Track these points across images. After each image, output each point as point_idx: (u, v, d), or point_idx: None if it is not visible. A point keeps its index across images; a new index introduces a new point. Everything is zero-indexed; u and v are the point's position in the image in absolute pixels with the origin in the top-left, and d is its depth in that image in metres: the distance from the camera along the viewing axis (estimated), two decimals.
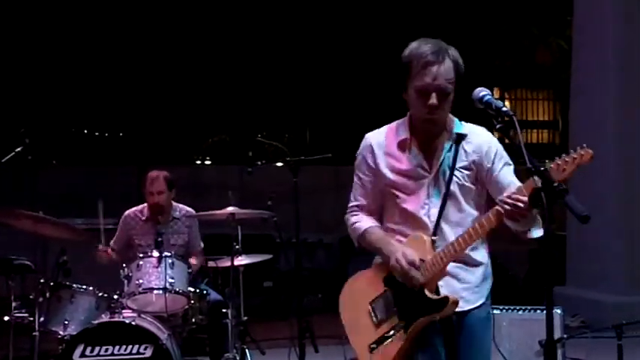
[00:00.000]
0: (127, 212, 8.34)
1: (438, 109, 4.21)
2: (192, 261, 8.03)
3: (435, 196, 4.33)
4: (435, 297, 4.20)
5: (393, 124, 4.51)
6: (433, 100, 4.17)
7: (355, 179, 4.60)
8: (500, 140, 4.19)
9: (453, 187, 4.33)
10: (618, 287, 10.59)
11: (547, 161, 3.79)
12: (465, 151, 4.35)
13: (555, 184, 3.20)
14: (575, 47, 11.67)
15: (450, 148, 4.35)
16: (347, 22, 18.43)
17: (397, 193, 4.39)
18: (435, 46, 4.23)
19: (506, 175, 4.34)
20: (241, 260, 7.97)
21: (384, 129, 4.54)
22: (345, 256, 11.67)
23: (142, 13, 17.84)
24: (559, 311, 6.92)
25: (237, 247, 7.88)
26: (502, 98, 22.00)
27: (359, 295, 4.46)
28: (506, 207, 3.92)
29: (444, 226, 4.32)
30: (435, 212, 4.32)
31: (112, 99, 17.93)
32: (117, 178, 14.04)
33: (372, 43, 17.92)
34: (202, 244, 8.48)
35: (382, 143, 4.47)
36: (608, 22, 10.77)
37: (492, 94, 3.84)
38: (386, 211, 4.54)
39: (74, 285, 7.09)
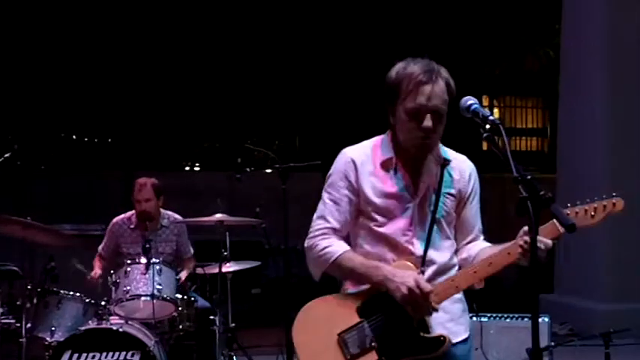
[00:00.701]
0: (115, 219, 8.33)
1: (433, 133, 3.85)
2: (186, 271, 8.05)
3: (419, 223, 3.96)
4: (429, 335, 3.83)
5: (376, 140, 4.10)
6: (428, 122, 3.81)
7: (327, 198, 4.05)
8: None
9: (440, 214, 3.98)
10: (606, 295, 10.62)
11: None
12: (451, 176, 4.03)
13: (541, 193, 3.17)
14: (564, 55, 11.70)
15: (437, 172, 4.00)
16: (337, 30, 18.44)
17: (376, 216, 3.97)
18: (426, 65, 3.89)
19: (475, 213, 4.12)
20: (229, 267, 7.96)
21: (368, 145, 4.09)
22: None
23: (132, 19, 17.82)
24: (546, 319, 6.94)
25: (225, 253, 7.88)
26: (491, 106, 22.05)
27: (324, 323, 3.93)
28: (541, 246, 3.62)
29: (432, 255, 3.95)
30: (418, 240, 3.94)
31: (102, 105, 17.90)
32: (105, 184, 14.03)
33: (362, 50, 17.93)
34: (192, 250, 8.49)
35: (366, 161, 4.02)
36: (597, 29, 10.80)
37: (481, 102, 3.75)
38: (354, 239, 4.08)
39: (61, 291, 7.08)
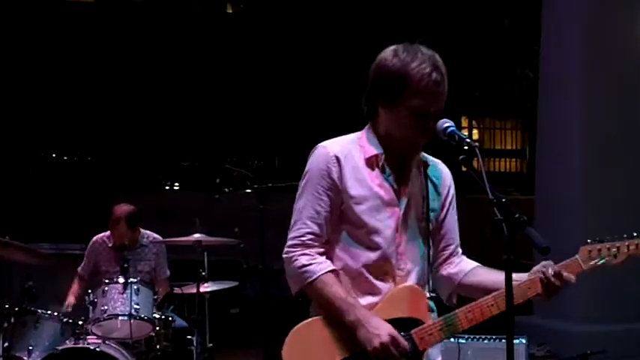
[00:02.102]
0: (94, 238, 8.36)
1: (430, 134, 3.63)
2: (160, 292, 8.03)
3: (405, 230, 3.67)
4: None
5: (359, 134, 3.78)
6: (433, 123, 3.60)
7: (308, 199, 3.67)
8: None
9: (431, 220, 3.76)
10: (584, 317, 10.62)
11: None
12: (434, 180, 3.80)
13: (517, 216, 3.17)
14: (543, 77, 11.74)
15: (420, 175, 3.77)
16: (316, 52, 18.48)
17: (362, 219, 3.62)
18: (432, 59, 3.62)
19: (455, 221, 3.89)
20: (207, 287, 7.95)
21: (349, 139, 3.77)
22: None
23: (111, 40, 17.82)
24: (524, 341, 6.95)
25: (203, 273, 7.87)
26: (470, 127, 22.09)
27: (322, 346, 3.59)
28: (557, 283, 3.63)
29: (425, 267, 3.71)
30: (406, 251, 3.66)
31: (81, 124, 17.85)
32: (85, 203, 13.98)
33: (342, 73, 17.96)
34: (169, 272, 8.48)
35: (350, 156, 3.67)
36: (576, 52, 10.84)
37: (460, 123, 3.73)
38: (331, 248, 3.70)
39: (39, 310, 7.04)
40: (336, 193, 3.64)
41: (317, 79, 18.46)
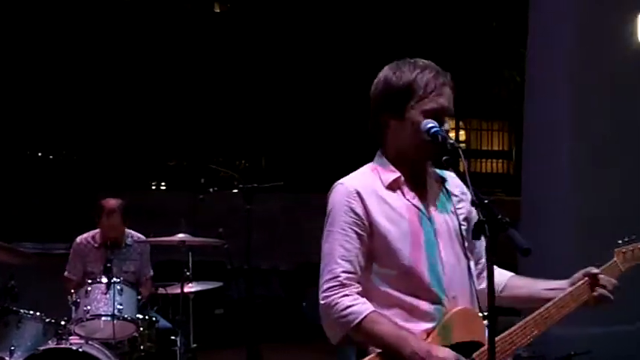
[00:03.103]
0: (78, 239, 8.30)
1: None
2: (144, 292, 7.98)
3: (446, 250, 3.57)
4: None
5: (373, 165, 3.68)
6: (447, 125, 3.56)
7: (335, 239, 3.51)
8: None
9: (462, 237, 3.63)
10: (570, 319, 10.61)
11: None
12: (455, 195, 3.71)
13: (499, 217, 3.13)
14: (529, 79, 11.73)
15: (440, 190, 3.69)
16: (304, 53, 18.46)
17: (396, 246, 3.50)
18: (434, 65, 3.64)
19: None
20: (191, 287, 7.93)
21: (367, 171, 3.66)
22: (301, 285, 11.64)
23: (98, 39, 17.77)
24: None
25: (187, 273, 7.84)
26: (457, 128, 22.12)
27: None
28: (606, 293, 3.82)
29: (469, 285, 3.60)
30: (450, 270, 3.55)
31: (67, 123, 17.81)
32: (70, 202, 13.93)
33: (330, 73, 17.95)
34: (152, 272, 8.46)
35: (371, 188, 3.56)
36: (563, 54, 10.84)
37: (444, 125, 3.61)
38: (374, 280, 3.54)
39: (21, 310, 7.00)
40: (363, 228, 3.51)
41: (305, 79, 18.43)
